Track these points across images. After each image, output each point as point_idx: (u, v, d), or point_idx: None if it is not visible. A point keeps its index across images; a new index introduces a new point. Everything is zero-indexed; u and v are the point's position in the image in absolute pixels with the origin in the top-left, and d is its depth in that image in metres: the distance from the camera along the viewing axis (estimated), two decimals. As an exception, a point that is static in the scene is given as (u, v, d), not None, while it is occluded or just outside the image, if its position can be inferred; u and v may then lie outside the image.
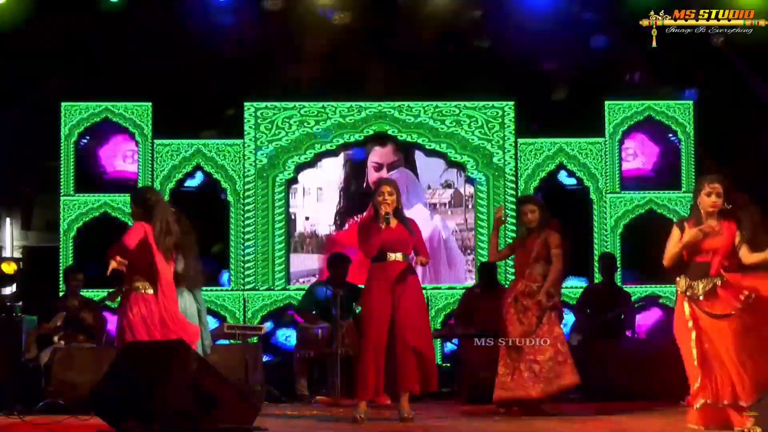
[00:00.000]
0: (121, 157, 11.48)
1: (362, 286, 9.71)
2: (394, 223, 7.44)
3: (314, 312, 9.99)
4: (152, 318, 6.77)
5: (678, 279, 6.46)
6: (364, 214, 11.06)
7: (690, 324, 6.38)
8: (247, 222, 11.42)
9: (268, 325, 10.90)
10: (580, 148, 11.59)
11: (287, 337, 11.23)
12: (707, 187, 6.41)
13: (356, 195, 11.59)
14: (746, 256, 6.34)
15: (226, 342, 9.84)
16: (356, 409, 7.48)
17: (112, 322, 9.79)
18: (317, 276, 11.27)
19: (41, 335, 9.58)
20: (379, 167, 11.65)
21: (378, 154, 11.68)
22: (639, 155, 11.63)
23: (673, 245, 6.46)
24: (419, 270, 7.83)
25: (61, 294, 10.45)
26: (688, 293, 6.40)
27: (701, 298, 6.35)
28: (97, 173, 11.43)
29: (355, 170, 11.68)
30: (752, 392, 6.19)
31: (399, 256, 7.44)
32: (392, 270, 7.44)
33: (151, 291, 6.81)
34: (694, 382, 6.40)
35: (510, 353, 8.01)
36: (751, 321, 6.23)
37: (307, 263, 11.61)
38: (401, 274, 7.44)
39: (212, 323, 10.86)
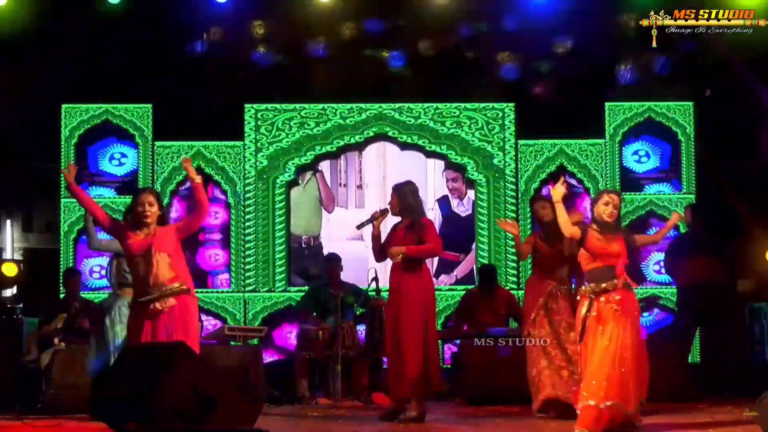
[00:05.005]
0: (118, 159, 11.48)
1: (363, 287, 9.89)
2: (401, 225, 7.73)
3: (314, 314, 10.02)
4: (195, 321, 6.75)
5: (583, 288, 6.79)
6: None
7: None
8: (247, 224, 11.41)
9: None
10: (580, 150, 11.58)
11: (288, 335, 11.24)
12: (605, 197, 6.79)
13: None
14: (640, 239, 7.23)
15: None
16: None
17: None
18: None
19: (42, 337, 9.58)
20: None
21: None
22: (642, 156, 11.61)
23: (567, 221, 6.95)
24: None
25: (61, 296, 10.45)
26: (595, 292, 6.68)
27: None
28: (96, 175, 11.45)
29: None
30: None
31: (398, 258, 7.63)
32: (391, 271, 7.72)
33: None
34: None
35: (548, 353, 7.84)
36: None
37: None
38: (398, 276, 7.63)
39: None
